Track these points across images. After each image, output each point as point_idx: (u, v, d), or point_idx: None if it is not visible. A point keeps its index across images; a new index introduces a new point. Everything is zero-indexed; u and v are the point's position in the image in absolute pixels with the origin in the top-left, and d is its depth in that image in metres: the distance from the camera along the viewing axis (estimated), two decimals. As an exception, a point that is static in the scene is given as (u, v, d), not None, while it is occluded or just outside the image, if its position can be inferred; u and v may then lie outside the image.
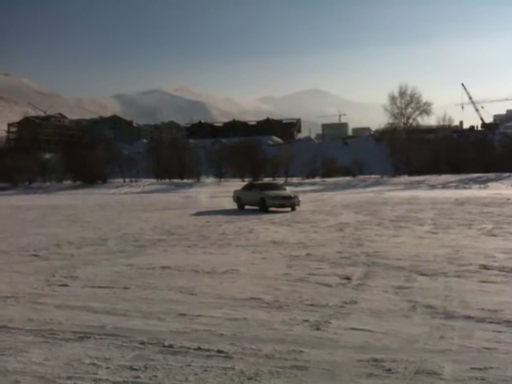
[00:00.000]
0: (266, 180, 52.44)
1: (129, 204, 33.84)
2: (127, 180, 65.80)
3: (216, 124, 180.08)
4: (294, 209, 24.39)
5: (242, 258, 11.13)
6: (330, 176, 64.65)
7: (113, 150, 75.18)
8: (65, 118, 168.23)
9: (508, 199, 28.49)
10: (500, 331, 5.75)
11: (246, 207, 25.81)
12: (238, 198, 26.96)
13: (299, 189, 45.66)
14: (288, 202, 24.70)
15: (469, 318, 6.30)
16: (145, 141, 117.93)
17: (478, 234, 14.45)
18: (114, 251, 12.51)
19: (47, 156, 79.96)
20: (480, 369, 4.69)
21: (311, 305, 7.04)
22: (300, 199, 25.40)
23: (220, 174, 65.41)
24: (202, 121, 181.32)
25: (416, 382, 4.45)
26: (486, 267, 9.40)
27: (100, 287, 8.42)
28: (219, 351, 5.26)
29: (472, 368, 4.72)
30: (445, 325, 6.04)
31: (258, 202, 24.79)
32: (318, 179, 63.01)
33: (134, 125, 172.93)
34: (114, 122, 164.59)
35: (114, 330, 6.01)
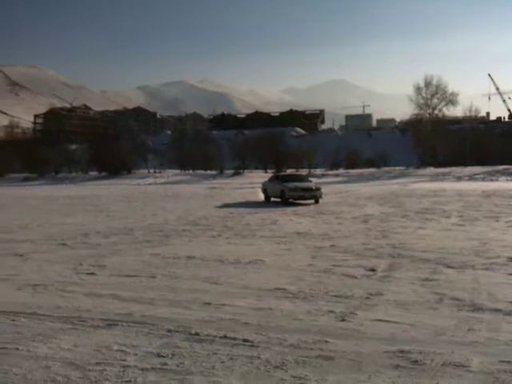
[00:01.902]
0: (290, 171, 52.31)
1: (153, 195, 34.14)
2: (151, 171, 66.33)
3: (239, 115, 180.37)
4: (316, 201, 23.71)
5: (266, 249, 11.16)
6: (353, 168, 64.16)
7: (137, 141, 75.88)
8: (90, 109, 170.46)
9: None
10: (529, 324, 5.66)
11: (272, 199, 25.53)
12: (264, 189, 26.79)
13: (322, 180, 45.51)
14: (308, 194, 24.05)
15: (496, 310, 6.21)
16: (169, 132, 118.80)
17: (506, 226, 14.22)
18: (140, 241, 12.66)
19: (73, 147, 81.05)
20: (509, 362, 4.62)
21: (336, 296, 7.03)
22: (322, 191, 24.61)
23: (243, 166, 65.43)
24: (225, 112, 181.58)
25: (443, 374, 4.41)
26: (514, 260, 9.25)
27: (127, 276, 8.53)
28: (245, 340, 5.29)
29: (500, 361, 4.66)
30: (472, 317, 5.98)
31: (280, 193, 24.48)
32: (341, 171, 62.61)
33: (158, 116, 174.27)
34: (138, 113, 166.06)
35: (141, 318, 6.10)
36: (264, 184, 27.38)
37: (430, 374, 4.42)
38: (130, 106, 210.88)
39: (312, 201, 23.90)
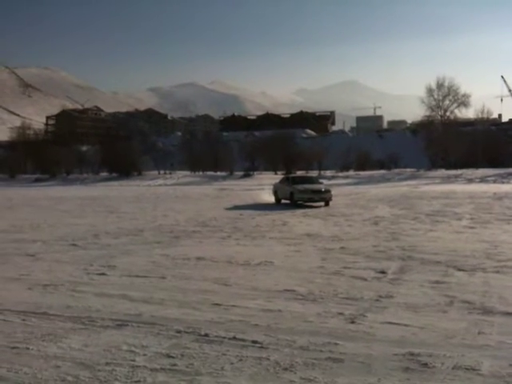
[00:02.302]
0: (300, 173, 52.22)
1: (163, 196, 34.26)
2: (162, 172, 66.59)
3: (249, 117, 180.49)
4: (327, 204, 23.34)
5: (276, 251, 11.15)
6: (364, 169, 63.96)
7: (148, 143, 76.22)
8: (101, 110, 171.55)
9: None
10: (541, 328, 5.61)
11: (283, 201, 25.17)
12: (275, 191, 26.41)
13: (332, 182, 45.38)
14: (318, 197, 23.59)
15: (507, 314, 6.16)
16: (179, 134, 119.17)
17: (518, 229, 14.09)
18: (150, 241, 12.71)
19: (84, 148, 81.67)
20: (520, 366, 4.58)
21: (346, 298, 7.01)
22: (332, 193, 24.00)
23: (253, 167, 65.45)
24: (236, 114, 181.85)
25: (453, 378, 4.38)
26: (526, 263, 9.16)
27: (137, 276, 8.57)
28: (254, 341, 5.29)
29: (511, 365, 4.62)
30: (483, 320, 5.93)
31: (289, 195, 24.15)
32: (351, 172, 62.42)
33: (169, 118, 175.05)
34: (150, 115, 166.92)
35: (150, 319, 6.12)
36: (275, 186, 27.04)
37: (440, 377, 4.39)
38: (141, 107, 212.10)
39: (321, 203, 23.55)
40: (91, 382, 4.41)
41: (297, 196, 23.63)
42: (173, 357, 4.91)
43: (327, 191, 23.90)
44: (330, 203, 23.65)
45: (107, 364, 4.78)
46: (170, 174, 65.38)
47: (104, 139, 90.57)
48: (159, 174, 65.84)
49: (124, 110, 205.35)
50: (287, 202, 24.50)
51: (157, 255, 10.65)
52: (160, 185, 54.04)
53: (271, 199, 26.40)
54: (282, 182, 27.03)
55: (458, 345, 5.14)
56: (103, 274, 8.86)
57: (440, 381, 4.32)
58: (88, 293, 7.50)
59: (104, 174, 68.50)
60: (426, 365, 4.65)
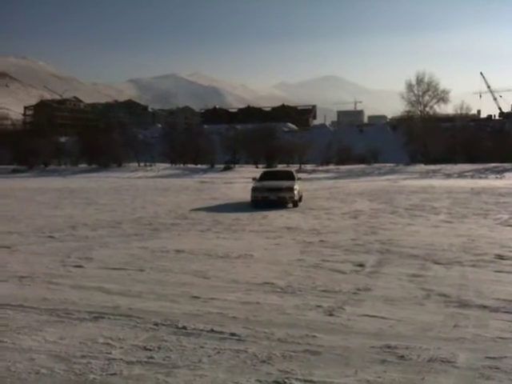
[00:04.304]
0: (281, 167, 52.13)
1: (143, 188, 34.00)
2: (142, 164, 66.06)
3: (231, 110, 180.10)
4: (295, 205, 19.44)
5: (256, 244, 11.14)
6: (344, 163, 64.32)
7: (128, 134, 75.50)
8: (80, 101, 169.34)
9: None
10: (515, 321, 5.69)
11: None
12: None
13: (313, 176, 45.56)
14: (273, 196, 19.33)
15: (483, 307, 6.24)
16: (160, 126, 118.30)
17: (494, 223, 14.30)
18: (129, 234, 12.60)
19: (63, 139, 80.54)
20: (494, 358, 4.64)
21: (324, 291, 7.03)
22: (296, 192, 19.55)
23: (234, 161, 65.31)
24: (217, 106, 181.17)
25: (429, 370, 4.42)
26: (501, 257, 9.30)
27: (114, 269, 8.48)
28: (232, 334, 5.27)
29: (486, 357, 4.67)
30: (459, 313, 6.00)
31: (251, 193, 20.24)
32: (332, 166, 62.70)
33: (149, 109, 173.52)
34: (130, 106, 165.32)
35: (128, 311, 6.06)
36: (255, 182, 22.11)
37: (416, 370, 4.42)
38: (121, 98, 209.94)
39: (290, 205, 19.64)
40: (66, 375, 4.35)
41: (252, 194, 19.76)
42: (150, 349, 4.86)
43: (288, 189, 19.43)
44: (310, 197, 22.62)
45: (83, 357, 4.72)
46: (150, 166, 64.86)
47: (83, 130, 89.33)
48: (139, 166, 65.27)
49: (103, 101, 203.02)
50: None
51: (135, 247, 10.56)
52: (140, 177, 53.60)
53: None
54: (260, 178, 22.41)
55: (435, 337, 5.19)
56: (80, 266, 8.75)
57: (416, 373, 4.35)
58: (64, 285, 7.40)
59: (83, 166, 67.65)
60: (402, 357, 4.68)
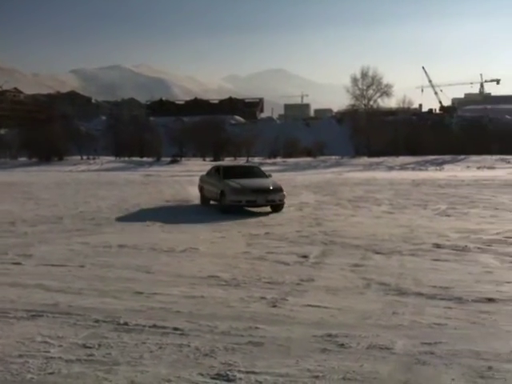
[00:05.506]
0: (229, 160, 51.94)
1: (86, 182, 33.17)
2: (84, 157, 64.47)
3: (178, 102, 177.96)
4: (276, 209, 15.71)
5: (201, 237, 11.09)
6: (291, 156, 65.01)
7: (70, 127, 73.45)
8: (20, 92, 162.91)
9: (462, 180, 29.29)
10: (450, 307, 5.93)
11: (212, 202, 17.22)
12: (201, 187, 18.42)
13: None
14: (262, 199, 15.40)
15: (420, 294, 6.46)
16: (104, 118, 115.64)
17: (433, 214, 14.81)
18: (70, 229, 12.26)
19: (2, 132, 77.52)
20: (430, 343, 4.82)
21: (269, 282, 7.09)
22: (284, 193, 15.90)
23: (181, 153, 64.74)
24: (164, 98, 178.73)
25: (368, 357, 4.54)
26: (439, 246, 9.66)
27: (54, 265, 8.24)
28: (175, 328, 5.24)
29: (422, 343, 4.85)
30: (397, 301, 6.19)
31: (219, 195, 15.99)
32: (279, 159, 63.23)
33: (93, 101, 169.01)
34: (72, 97, 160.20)
35: (67, 309, 5.91)
36: (201, 179, 18.75)
37: (356, 357, 4.54)
38: (64, 89, 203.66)
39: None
40: (2, 375, 4.20)
41: (229, 198, 15.48)
42: (90, 347, 4.76)
43: (277, 190, 15.78)
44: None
45: (20, 356, 4.57)
46: (94, 159, 63.45)
47: (23, 122, 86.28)
48: (82, 159, 63.71)
49: (45, 92, 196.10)
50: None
51: (76, 243, 10.29)
52: (83, 170, 52.32)
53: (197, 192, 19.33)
54: (209, 173, 18.33)
55: (374, 325, 5.34)
56: (18, 263, 8.46)
57: (355, 360, 4.46)
58: (2, 283, 7.13)
59: (23, 159, 65.38)
60: (342, 345, 4.79)
